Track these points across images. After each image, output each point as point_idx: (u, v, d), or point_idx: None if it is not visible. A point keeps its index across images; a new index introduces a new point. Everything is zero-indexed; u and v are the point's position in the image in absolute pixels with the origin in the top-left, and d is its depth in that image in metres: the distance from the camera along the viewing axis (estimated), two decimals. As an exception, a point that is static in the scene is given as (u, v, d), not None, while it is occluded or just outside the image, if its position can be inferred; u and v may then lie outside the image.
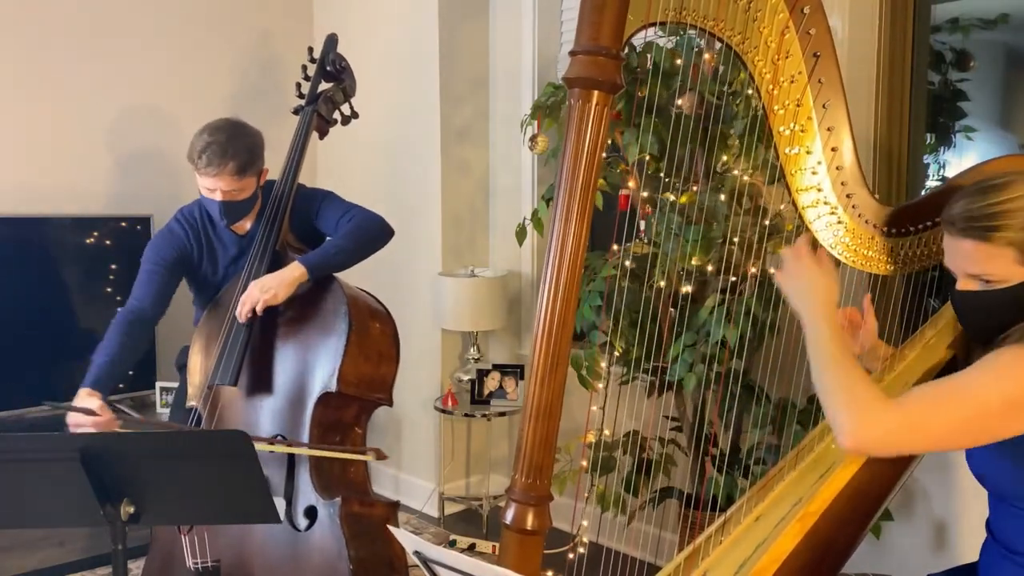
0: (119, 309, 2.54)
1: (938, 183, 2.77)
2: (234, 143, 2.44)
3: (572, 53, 1.50)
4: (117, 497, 1.56)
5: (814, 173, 1.77)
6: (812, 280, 1.58)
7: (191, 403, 2.46)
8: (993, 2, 2.66)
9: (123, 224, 3.56)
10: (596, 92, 1.48)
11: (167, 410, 3.33)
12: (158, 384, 3.55)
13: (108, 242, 3.51)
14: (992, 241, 1.43)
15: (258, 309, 2.36)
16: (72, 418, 2.27)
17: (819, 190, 1.78)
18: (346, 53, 2.89)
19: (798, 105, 1.73)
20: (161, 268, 2.58)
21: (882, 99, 2.65)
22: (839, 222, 1.79)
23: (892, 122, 2.66)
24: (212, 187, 2.47)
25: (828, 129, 1.75)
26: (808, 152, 1.76)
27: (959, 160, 2.76)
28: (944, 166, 2.78)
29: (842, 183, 1.77)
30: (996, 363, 1.40)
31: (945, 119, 2.74)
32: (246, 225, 2.66)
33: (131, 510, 1.57)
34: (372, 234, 2.59)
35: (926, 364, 1.75)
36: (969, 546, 2.55)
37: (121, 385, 3.53)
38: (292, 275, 2.40)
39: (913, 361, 1.79)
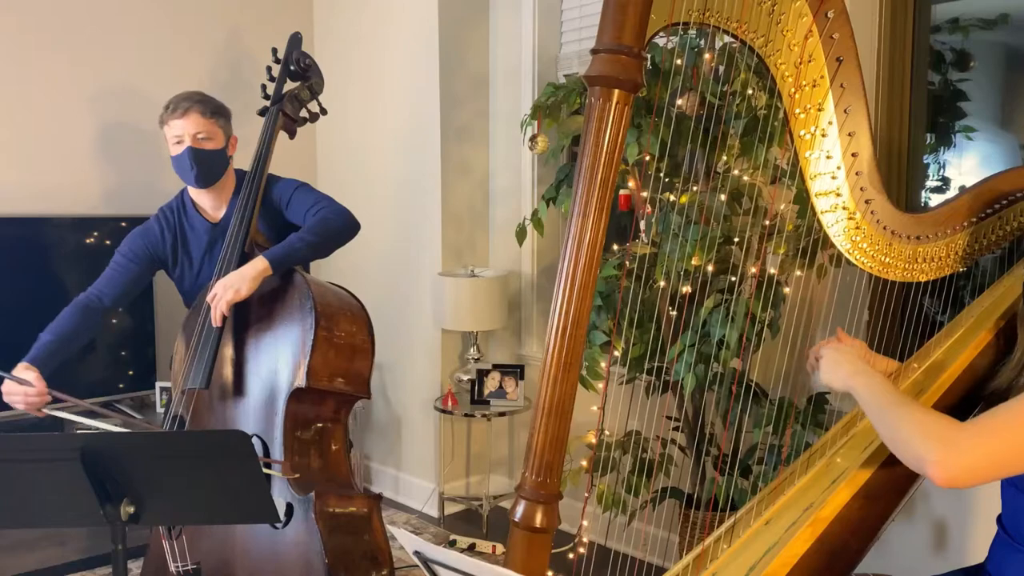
0: (80, 294, 2.60)
1: (939, 183, 2.77)
2: (200, 94, 2.61)
3: (594, 51, 1.49)
4: (117, 497, 1.56)
5: (833, 178, 1.77)
6: (836, 355, 1.63)
7: (174, 407, 2.47)
8: (993, 2, 2.66)
9: (123, 224, 3.55)
10: (617, 91, 1.48)
11: (164, 410, 3.33)
12: (158, 384, 3.55)
13: (108, 242, 3.51)
14: None
15: (223, 309, 2.35)
16: (6, 386, 2.32)
17: (838, 195, 1.77)
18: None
19: (819, 110, 1.72)
20: (127, 260, 2.64)
21: (882, 99, 2.65)
22: (857, 227, 1.79)
23: (892, 122, 2.66)
24: (180, 132, 2.54)
25: (849, 134, 1.74)
26: (828, 157, 1.75)
27: (959, 160, 2.76)
28: (944, 166, 2.78)
29: (861, 188, 1.77)
30: None
31: (945, 119, 2.74)
32: (218, 213, 2.68)
33: (131, 510, 1.57)
34: (336, 229, 2.56)
35: (952, 364, 1.73)
36: (969, 546, 2.56)
37: (121, 385, 3.54)
38: (255, 269, 2.38)
39: (942, 357, 1.78)
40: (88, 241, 3.50)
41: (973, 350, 1.73)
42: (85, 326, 2.55)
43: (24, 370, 2.36)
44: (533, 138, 2.89)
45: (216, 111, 2.60)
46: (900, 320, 2.13)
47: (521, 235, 3.00)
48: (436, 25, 3.70)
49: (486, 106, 3.87)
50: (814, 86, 1.72)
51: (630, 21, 1.47)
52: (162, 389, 3.52)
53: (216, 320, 2.37)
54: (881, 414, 1.48)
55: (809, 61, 1.70)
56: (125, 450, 1.56)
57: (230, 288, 2.35)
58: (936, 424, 1.39)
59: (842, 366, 1.61)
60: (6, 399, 2.33)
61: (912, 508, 2.66)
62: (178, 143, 2.56)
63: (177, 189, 2.78)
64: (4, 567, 3.09)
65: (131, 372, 3.57)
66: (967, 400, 1.68)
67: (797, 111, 1.72)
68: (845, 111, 1.73)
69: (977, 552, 1.74)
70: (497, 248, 3.91)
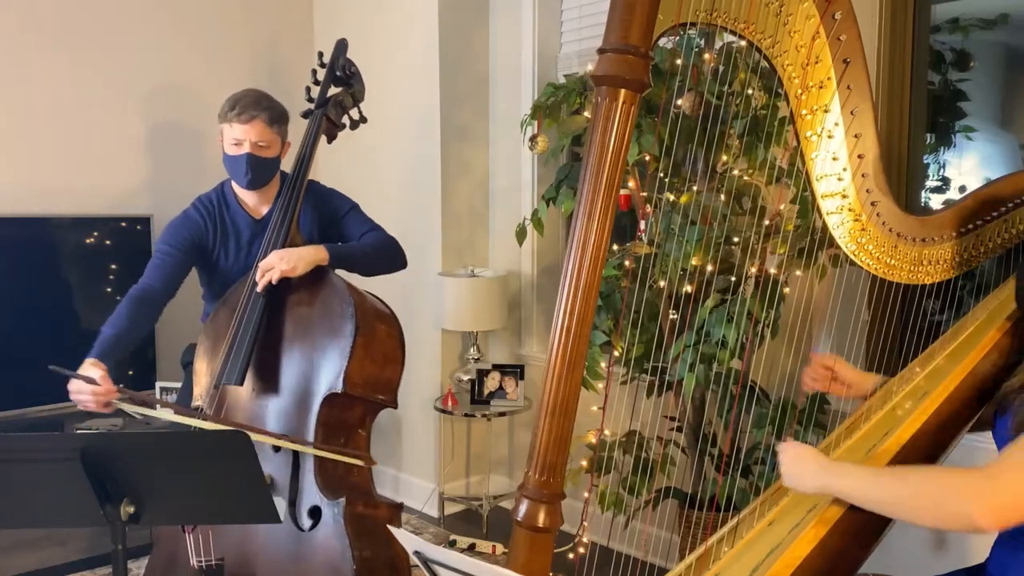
0: (132, 287, 2.59)
1: (939, 183, 2.77)
2: (266, 99, 2.63)
3: (601, 51, 1.49)
4: (117, 497, 1.56)
5: (839, 179, 1.76)
6: (798, 458, 1.58)
7: (197, 403, 2.47)
8: (993, 2, 2.66)
9: (123, 224, 3.56)
10: (623, 91, 1.48)
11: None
12: (158, 384, 3.55)
13: (108, 242, 3.51)
14: None
15: (274, 278, 2.39)
16: (73, 385, 2.29)
17: (844, 196, 1.77)
18: (347, 53, 2.89)
19: (826, 111, 1.72)
20: (175, 250, 2.65)
21: (882, 99, 2.65)
22: (863, 229, 1.79)
23: (892, 122, 2.66)
24: (242, 137, 2.57)
25: (855, 136, 1.74)
26: (835, 158, 1.75)
27: (959, 160, 2.76)
28: (944, 166, 2.78)
29: (867, 190, 1.77)
30: None
31: (945, 119, 2.74)
32: (261, 209, 2.71)
33: (131, 510, 1.57)
34: (392, 254, 2.71)
35: (956, 365, 1.74)
36: (970, 546, 2.55)
37: (121, 385, 3.53)
38: (314, 254, 2.46)
39: (948, 358, 1.78)
40: (88, 241, 3.50)
41: (979, 352, 1.73)
42: (143, 318, 2.56)
43: (91, 366, 2.32)
44: (533, 138, 2.90)
45: (278, 119, 2.63)
46: (901, 320, 2.13)
47: (521, 235, 3.00)
48: (436, 25, 3.70)
49: (486, 106, 3.87)
50: (821, 88, 1.71)
51: (637, 21, 1.47)
52: (162, 389, 3.52)
53: (261, 285, 2.40)
54: (886, 493, 1.45)
55: (816, 62, 1.70)
56: (125, 450, 1.56)
57: (286, 261, 2.40)
58: (958, 480, 1.37)
59: (810, 468, 1.56)
60: (74, 398, 2.29)
61: (912, 508, 2.65)
62: (236, 145, 2.59)
63: (179, 189, 2.79)
64: (4, 567, 3.09)
65: (131, 372, 3.56)
66: (977, 400, 1.68)
67: (803, 112, 1.72)
68: (852, 113, 1.73)
69: (978, 552, 1.74)
70: (497, 248, 3.91)
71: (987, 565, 1.64)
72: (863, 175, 1.76)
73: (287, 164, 2.69)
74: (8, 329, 3.30)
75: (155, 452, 1.60)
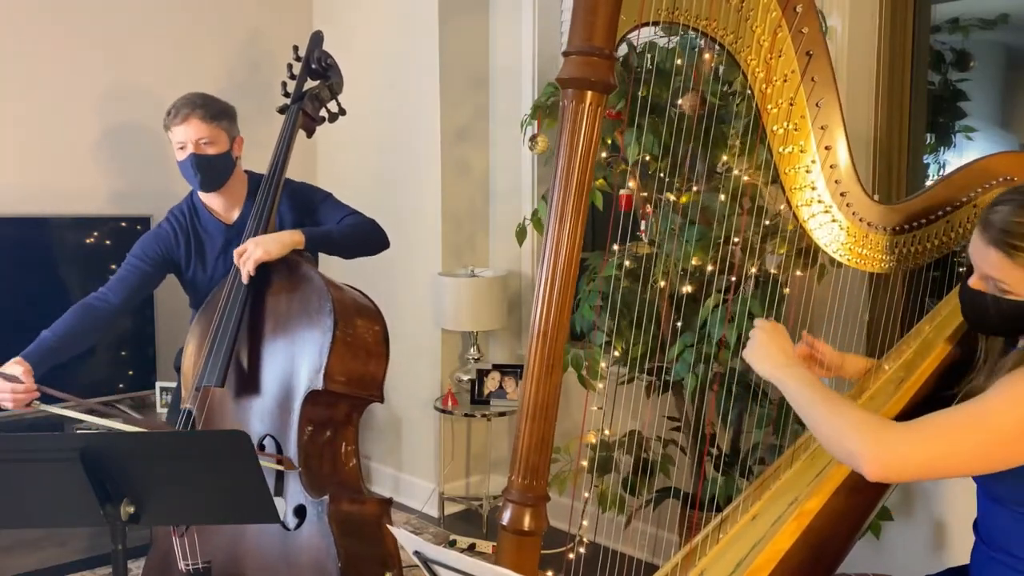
0: (89, 295, 2.57)
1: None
2: (202, 97, 2.58)
3: (565, 54, 1.50)
4: (117, 497, 1.56)
5: (808, 171, 1.77)
6: (762, 341, 1.61)
7: (185, 405, 2.46)
8: (993, 2, 2.66)
9: (123, 224, 3.55)
10: (589, 93, 1.48)
11: (167, 410, 3.33)
12: (158, 384, 3.55)
13: (108, 242, 3.51)
14: (1018, 260, 1.39)
15: (250, 267, 2.36)
16: None
17: (813, 188, 1.78)
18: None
19: (791, 104, 1.73)
20: (143, 263, 2.62)
21: (882, 99, 2.65)
22: (833, 220, 1.80)
23: (892, 122, 2.66)
24: (183, 139, 2.54)
25: (822, 128, 1.75)
26: (802, 151, 1.76)
27: (959, 160, 2.76)
28: (944, 166, 2.78)
29: (836, 181, 1.78)
30: (1013, 388, 1.37)
31: (945, 119, 2.75)
32: (232, 214, 2.67)
33: (131, 510, 1.57)
34: (373, 235, 2.65)
35: (925, 358, 1.76)
36: (969, 547, 2.55)
37: (121, 385, 3.54)
38: (289, 237, 2.42)
39: (912, 357, 1.79)
40: (88, 241, 3.50)
41: (941, 352, 1.75)
42: (88, 327, 2.51)
43: (14, 364, 2.31)
44: (533, 138, 2.89)
45: (218, 114, 2.57)
46: (901, 319, 2.13)
47: (521, 235, 2.99)
48: (436, 24, 3.70)
49: (486, 106, 3.87)
50: (785, 81, 1.72)
51: (600, 22, 1.48)
52: (162, 389, 3.52)
53: (244, 277, 2.38)
54: (812, 406, 1.48)
55: (779, 56, 1.70)
56: (125, 450, 1.56)
57: (260, 246, 2.37)
58: (869, 421, 1.42)
59: (773, 355, 1.58)
60: None
61: (911, 508, 2.66)
62: (181, 148, 2.55)
63: (182, 189, 2.77)
64: (4, 567, 3.09)
65: (131, 372, 3.57)
66: (938, 391, 1.71)
67: (769, 106, 1.73)
68: (817, 105, 1.74)
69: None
70: (497, 248, 3.91)
71: (970, 567, 1.65)
72: (831, 166, 1.77)
73: (264, 163, 2.66)
74: (8, 329, 3.29)
75: (155, 452, 1.60)
